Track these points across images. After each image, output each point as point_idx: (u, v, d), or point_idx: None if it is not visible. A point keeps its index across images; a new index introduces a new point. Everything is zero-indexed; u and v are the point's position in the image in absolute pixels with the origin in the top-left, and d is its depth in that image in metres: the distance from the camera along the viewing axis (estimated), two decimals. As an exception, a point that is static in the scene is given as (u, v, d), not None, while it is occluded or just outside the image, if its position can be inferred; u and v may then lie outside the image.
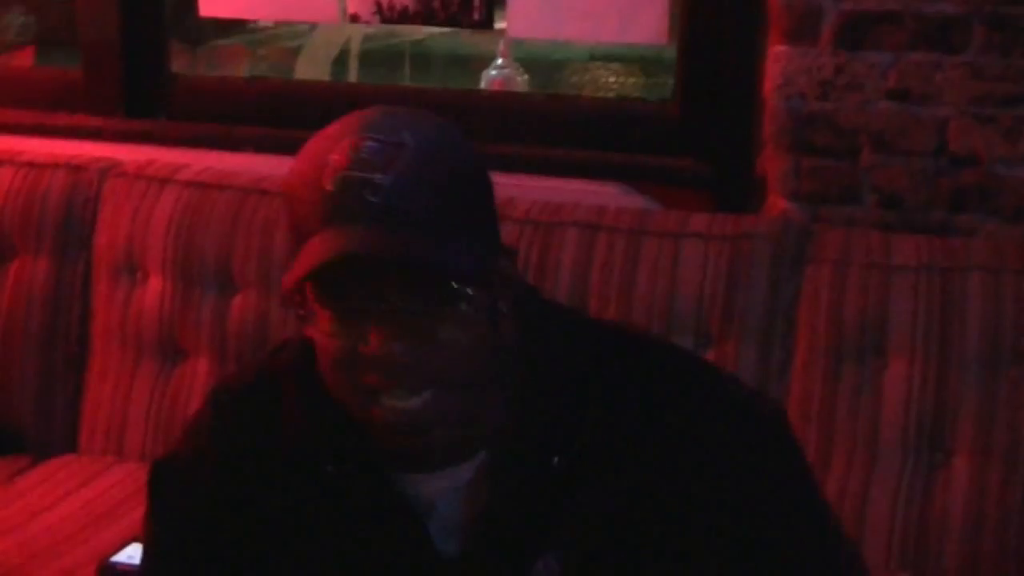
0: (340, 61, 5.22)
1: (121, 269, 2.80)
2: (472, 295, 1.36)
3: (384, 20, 2.97)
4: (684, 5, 2.77)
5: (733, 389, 1.52)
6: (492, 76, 5.05)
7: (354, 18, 3.01)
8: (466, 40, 4.22)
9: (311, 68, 5.11)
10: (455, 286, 1.35)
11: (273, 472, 1.51)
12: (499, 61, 5.01)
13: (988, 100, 2.55)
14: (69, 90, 3.18)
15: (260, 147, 2.99)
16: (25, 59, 4.38)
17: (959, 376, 2.37)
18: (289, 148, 2.89)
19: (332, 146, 1.35)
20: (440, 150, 1.37)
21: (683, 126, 2.79)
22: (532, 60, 5.05)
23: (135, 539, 2.40)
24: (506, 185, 2.71)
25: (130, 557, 2.34)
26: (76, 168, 2.87)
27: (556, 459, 1.43)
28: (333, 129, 1.39)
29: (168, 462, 1.60)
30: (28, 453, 2.80)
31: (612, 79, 7.88)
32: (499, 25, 2.94)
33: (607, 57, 5.86)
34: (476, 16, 2.90)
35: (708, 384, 1.51)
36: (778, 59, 2.63)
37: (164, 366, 2.77)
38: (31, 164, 2.89)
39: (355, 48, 5.25)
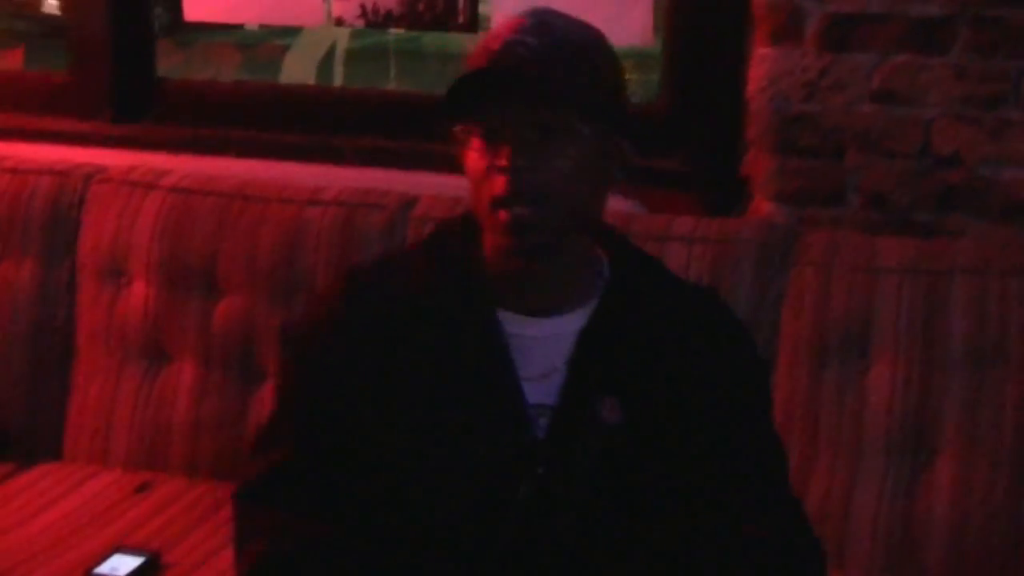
0: (330, 56, 5.22)
1: (106, 273, 2.80)
2: (587, 134, 1.69)
3: (369, 23, 2.97)
4: (669, 6, 2.77)
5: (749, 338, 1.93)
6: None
7: (339, 21, 3.01)
8: (456, 35, 4.24)
9: (301, 64, 5.12)
10: (575, 123, 1.68)
11: (396, 326, 1.77)
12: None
13: (973, 101, 2.55)
14: (57, 93, 3.18)
15: (246, 151, 2.99)
16: (15, 60, 4.39)
17: (943, 377, 2.37)
18: (275, 152, 2.95)
19: (505, 25, 1.71)
20: (587, 37, 1.73)
21: (669, 127, 2.78)
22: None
23: (119, 549, 2.41)
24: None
25: (114, 568, 2.34)
26: (61, 173, 2.87)
27: (637, 329, 1.78)
28: (510, 18, 1.74)
29: (299, 321, 1.90)
30: (13, 457, 2.79)
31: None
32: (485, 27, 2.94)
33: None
34: (460, 19, 2.90)
35: (740, 331, 1.91)
36: (763, 60, 2.63)
37: (149, 370, 2.76)
38: (15, 170, 2.89)
39: (344, 44, 5.25)
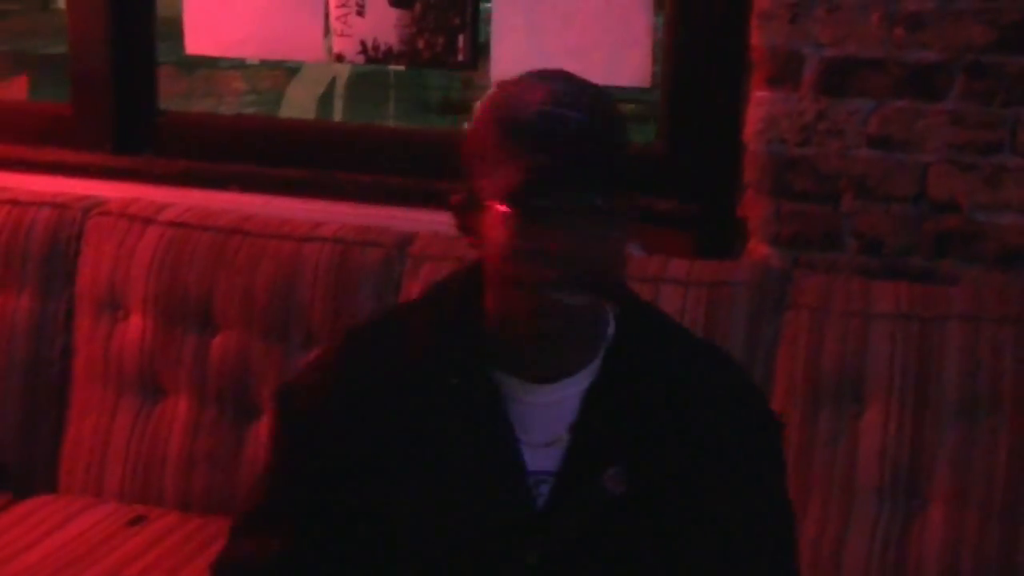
0: (330, 90, 5.24)
1: (103, 306, 2.80)
2: (625, 204, 1.65)
3: (369, 60, 2.99)
4: (668, 48, 2.78)
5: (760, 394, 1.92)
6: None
7: (339, 57, 3.02)
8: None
9: (304, 92, 5.13)
10: (617, 196, 1.63)
11: (392, 395, 1.73)
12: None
13: (969, 147, 2.56)
14: (58, 125, 3.19)
15: (246, 185, 3.00)
16: (19, 88, 4.40)
17: (936, 424, 2.38)
18: (275, 186, 2.97)
19: (525, 91, 1.65)
20: (610, 103, 1.69)
21: (666, 168, 2.79)
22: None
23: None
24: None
25: (106, 601, 2.35)
26: (60, 206, 2.88)
27: (643, 390, 1.72)
28: (515, 85, 1.68)
29: (296, 385, 1.84)
30: (8, 489, 2.80)
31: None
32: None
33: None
34: (461, 57, 2.92)
35: (752, 390, 1.88)
36: (760, 104, 2.64)
37: (144, 404, 2.77)
38: (15, 202, 2.90)
39: (347, 73, 5.26)
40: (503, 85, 1.70)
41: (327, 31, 2.98)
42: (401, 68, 3.77)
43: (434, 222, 2.59)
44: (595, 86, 1.70)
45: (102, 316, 2.80)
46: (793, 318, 2.47)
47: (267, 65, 5.20)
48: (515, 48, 2.86)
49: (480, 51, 2.93)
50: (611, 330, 1.76)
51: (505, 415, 1.71)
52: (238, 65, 5.24)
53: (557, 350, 1.71)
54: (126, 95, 3.14)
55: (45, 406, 2.84)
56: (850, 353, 2.42)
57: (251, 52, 3.36)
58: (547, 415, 1.72)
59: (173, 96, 3.82)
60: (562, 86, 1.65)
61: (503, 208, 1.61)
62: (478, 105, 1.70)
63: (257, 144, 3.10)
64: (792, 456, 2.41)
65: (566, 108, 1.61)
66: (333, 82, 5.20)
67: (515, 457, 1.71)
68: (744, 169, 2.69)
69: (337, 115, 5.23)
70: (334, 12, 2.95)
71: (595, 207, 1.61)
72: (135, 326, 2.77)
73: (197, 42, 3.09)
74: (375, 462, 1.71)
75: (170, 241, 2.77)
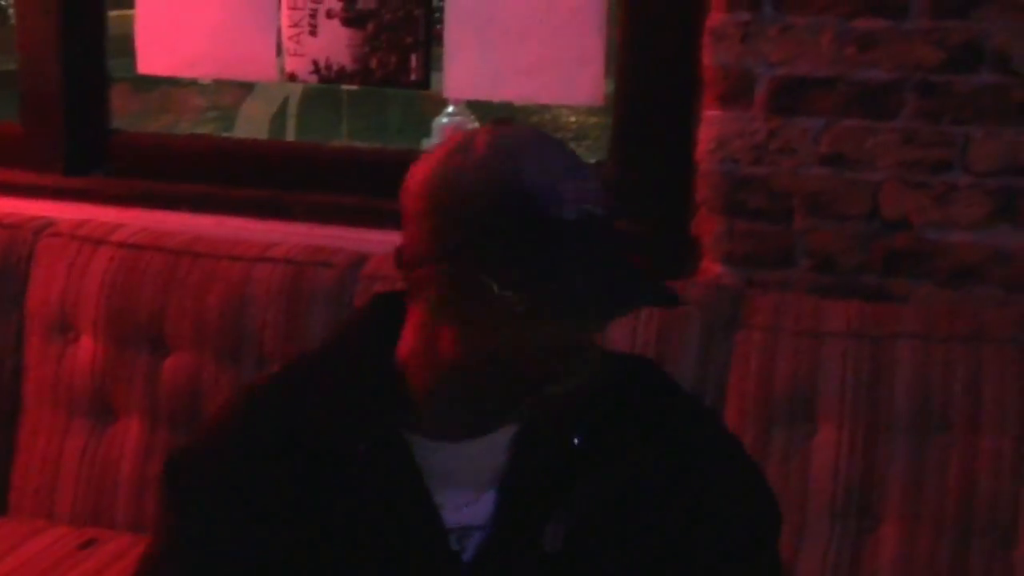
0: (283, 109, 5.24)
1: (54, 328, 2.78)
2: None
3: (322, 79, 2.98)
4: (619, 67, 2.78)
5: (727, 434, 1.80)
6: (443, 124, 5.06)
7: (292, 77, 3.01)
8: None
9: (259, 109, 5.12)
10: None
11: (296, 458, 1.59)
12: (450, 108, 5.02)
13: (920, 166, 2.57)
14: (8, 144, 3.17)
15: (198, 205, 2.99)
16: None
17: (888, 442, 2.38)
18: (227, 207, 2.95)
19: (547, 172, 1.49)
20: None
21: (618, 188, 2.79)
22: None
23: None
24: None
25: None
26: (10, 227, 2.86)
27: (577, 440, 1.61)
28: (525, 153, 1.51)
29: (187, 453, 1.68)
30: (-41, 513, 2.78)
31: (572, 118, 7.93)
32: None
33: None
34: (413, 76, 2.91)
35: (710, 422, 1.78)
36: (712, 123, 2.65)
37: (96, 427, 2.75)
38: (-35, 222, 2.88)
39: (297, 98, 5.26)
40: (508, 152, 1.51)
41: (280, 50, 2.97)
42: (354, 87, 3.75)
43: (387, 242, 2.57)
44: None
45: (53, 338, 2.78)
46: (745, 338, 2.47)
47: (225, 82, 5.20)
48: (467, 67, 2.85)
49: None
50: None
51: (417, 473, 1.59)
52: (196, 82, 5.23)
53: (466, 410, 1.59)
54: (77, 114, 3.12)
55: (-5, 429, 2.82)
56: (802, 372, 2.43)
57: (204, 72, 3.35)
58: (474, 469, 1.61)
59: (129, 114, 3.80)
60: (586, 174, 1.52)
61: (518, 303, 1.47)
62: (473, 167, 1.50)
63: (209, 164, 3.09)
64: (745, 475, 2.42)
65: (600, 206, 1.50)
66: (286, 101, 5.19)
67: (431, 516, 1.59)
68: (696, 188, 2.69)
69: (290, 134, 5.22)
70: (287, 32, 2.95)
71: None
72: (86, 348, 2.75)
73: (150, 62, 3.07)
74: (280, 533, 1.59)
75: (121, 262, 2.75)
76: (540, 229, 1.46)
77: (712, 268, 2.68)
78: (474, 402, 1.58)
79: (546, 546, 1.58)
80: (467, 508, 1.61)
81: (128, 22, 3.09)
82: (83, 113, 3.13)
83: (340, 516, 1.58)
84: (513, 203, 1.47)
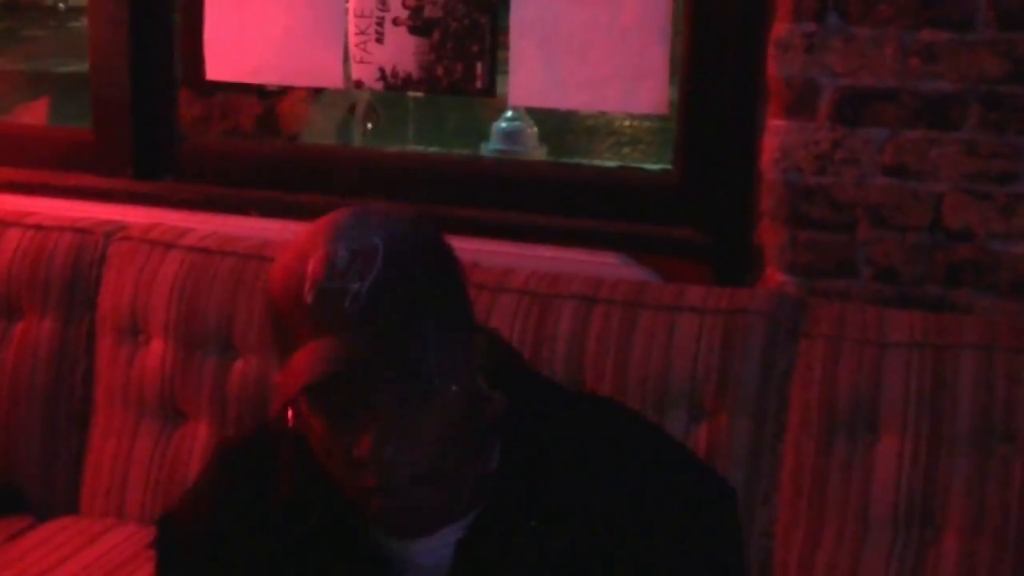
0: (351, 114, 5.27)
1: (124, 331, 2.83)
2: (454, 386, 1.43)
3: (388, 86, 3.01)
4: (683, 76, 2.80)
5: (693, 467, 1.64)
6: (502, 128, 5.09)
7: (358, 84, 3.05)
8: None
9: (325, 114, 5.15)
10: (436, 381, 1.41)
11: (263, 526, 1.57)
12: (509, 113, 5.05)
13: (983, 177, 2.58)
14: (79, 150, 3.23)
15: (266, 210, 3.03)
16: (38, 112, 4.43)
17: (950, 453, 2.38)
18: (294, 212, 3.00)
19: (308, 255, 1.40)
20: (411, 249, 1.43)
21: (683, 196, 2.81)
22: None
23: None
24: (506, 254, 2.77)
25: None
26: (82, 231, 2.91)
27: (533, 521, 1.51)
28: (307, 237, 1.44)
29: (171, 517, 1.69)
30: (31, 513, 2.83)
31: (627, 122, 7.95)
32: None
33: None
34: (479, 84, 2.94)
35: (671, 461, 1.61)
36: (776, 133, 2.66)
37: (165, 428, 2.79)
38: (38, 226, 2.93)
39: (364, 105, 5.29)
40: (288, 247, 1.46)
41: (346, 58, 3.01)
42: (419, 95, 3.78)
43: (457, 248, 2.61)
44: (392, 227, 1.43)
45: (123, 341, 2.83)
46: (808, 347, 2.48)
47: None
48: (531, 76, 2.88)
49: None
50: (494, 463, 1.55)
51: (378, 561, 1.54)
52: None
53: (420, 509, 1.49)
54: (147, 121, 3.18)
55: (66, 430, 2.87)
56: (864, 382, 2.43)
57: (271, 78, 3.39)
58: (426, 567, 1.53)
59: (192, 118, 3.85)
60: (343, 244, 1.39)
61: (306, 412, 1.43)
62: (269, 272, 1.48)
63: (277, 169, 3.13)
64: (807, 483, 2.43)
65: (344, 279, 1.38)
66: (353, 107, 5.23)
67: None
68: (760, 198, 2.70)
69: (356, 139, 5.26)
70: (353, 39, 2.98)
71: (404, 397, 1.40)
72: (156, 351, 2.80)
73: (217, 68, 3.12)
74: None
75: (191, 266, 2.80)
76: (294, 316, 1.41)
77: (775, 277, 2.70)
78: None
79: None
80: None
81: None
82: (152, 119, 3.18)
83: None
84: (273, 289, 1.45)
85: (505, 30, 2.90)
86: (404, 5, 2.93)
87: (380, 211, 1.47)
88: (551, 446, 1.54)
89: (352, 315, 1.37)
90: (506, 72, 2.91)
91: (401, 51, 2.96)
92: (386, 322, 1.37)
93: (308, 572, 1.56)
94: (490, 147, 5.06)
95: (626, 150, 7.53)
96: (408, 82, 2.99)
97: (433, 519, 1.50)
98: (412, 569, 1.54)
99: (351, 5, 2.97)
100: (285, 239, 2.79)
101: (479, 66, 2.93)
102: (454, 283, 1.48)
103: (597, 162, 6.48)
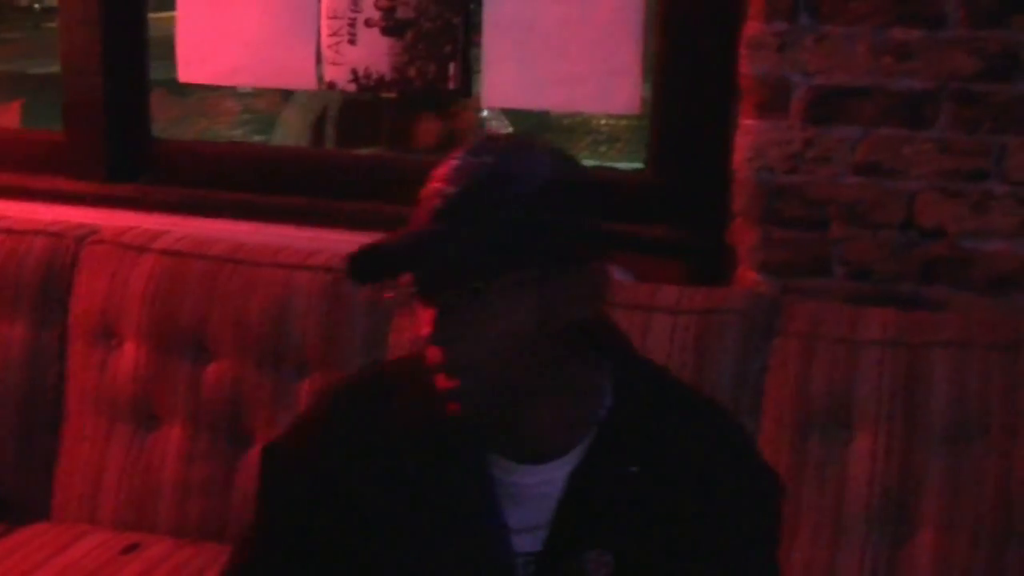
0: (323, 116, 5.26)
1: (97, 335, 2.81)
2: (492, 297, 1.54)
3: (360, 88, 3.01)
4: (656, 76, 2.80)
5: (755, 457, 1.78)
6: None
7: (331, 85, 3.04)
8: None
9: (295, 123, 5.15)
10: (476, 283, 1.53)
11: (378, 459, 1.68)
12: (484, 113, 5.06)
13: (956, 174, 2.58)
14: (52, 153, 3.21)
15: (240, 213, 3.02)
16: (11, 115, 4.42)
17: (925, 450, 2.39)
18: (269, 214, 2.99)
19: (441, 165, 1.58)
20: (522, 175, 1.56)
21: (656, 196, 2.81)
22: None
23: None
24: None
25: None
26: (54, 234, 2.89)
27: (634, 468, 1.64)
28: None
29: (280, 445, 1.79)
30: (4, 518, 2.80)
31: (604, 121, 7.95)
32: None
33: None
34: (452, 85, 2.94)
35: (746, 449, 1.78)
36: (749, 132, 2.66)
37: (138, 432, 2.77)
38: (10, 230, 2.91)
39: (337, 107, 5.29)
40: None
41: (319, 59, 3.00)
42: (392, 96, 3.77)
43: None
44: (511, 157, 1.58)
45: (96, 345, 2.81)
46: (782, 345, 2.48)
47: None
48: (505, 76, 2.88)
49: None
50: (607, 402, 1.67)
51: (493, 497, 1.66)
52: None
53: (525, 428, 1.64)
54: (119, 123, 3.16)
55: (39, 435, 2.85)
56: (839, 379, 2.43)
57: (244, 80, 3.38)
58: (537, 497, 1.65)
59: (167, 119, 3.84)
60: (464, 154, 1.57)
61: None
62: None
63: (251, 172, 3.12)
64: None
65: (444, 183, 1.55)
66: (325, 108, 5.23)
67: (501, 539, 1.66)
68: (733, 197, 2.70)
69: (329, 141, 5.25)
70: (326, 40, 2.97)
71: (461, 290, 1.53)
72: (129, 355, 2.78)
73: (190, 70, 3.11)
74: (358, 527, 1.68)
75: (164, 270, 2.78)
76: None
77: (748, 276, 2.70)
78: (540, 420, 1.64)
79: (590, 572, 1.62)
80: (529, 534, 1.65)
81: (163, 24, 3.12)
82: (125, 121, 3.17)
83: (415, 522, 1.67)
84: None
85: (478, 30, 2.90)
86: (377, 6, 2.93)
87: (520, 140, 1.70)
88: (656, 406, 1.69)
89: (435, 211, 1.53)
90: (480, 72, 2.91)
91: (374, 52, 2.96)
92: (458, 225, 1.52)
93: (418, 502, 1.66)
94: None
95: (603, 148, 7.55)
96: (381, 83, 2.99)
97: (539, 440, 1.64)
98: (526, 498, 1.65)
99: (323, 7, 2.96)
100: (258, 243, 2.82)
101: (452, 66, 2.92)
102: (557, 219, 1.56)
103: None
